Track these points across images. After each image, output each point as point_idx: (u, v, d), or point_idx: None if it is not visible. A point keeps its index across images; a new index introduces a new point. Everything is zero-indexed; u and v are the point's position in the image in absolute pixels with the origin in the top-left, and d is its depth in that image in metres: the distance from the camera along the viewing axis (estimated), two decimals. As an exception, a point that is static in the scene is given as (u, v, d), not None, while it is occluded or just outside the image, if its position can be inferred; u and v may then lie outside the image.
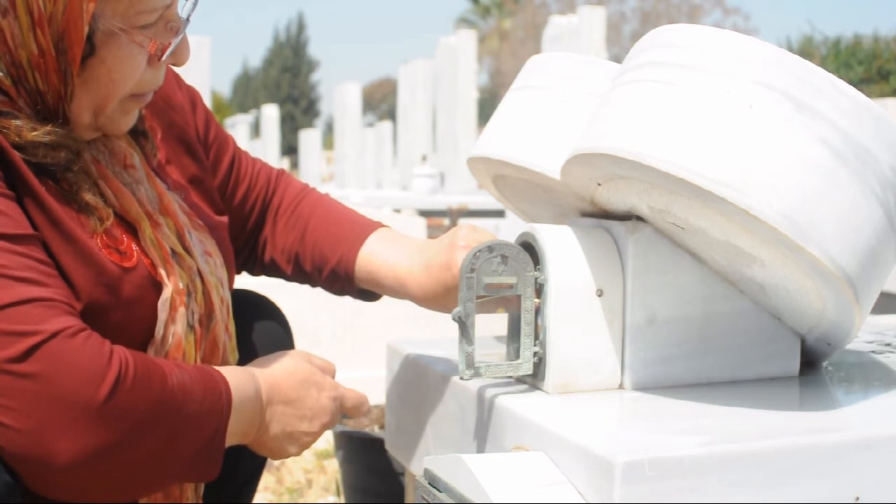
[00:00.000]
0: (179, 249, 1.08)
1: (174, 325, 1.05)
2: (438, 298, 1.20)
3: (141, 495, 0.99)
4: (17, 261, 0.88)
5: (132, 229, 1.05)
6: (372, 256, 1.26)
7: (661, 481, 0.81)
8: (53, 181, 0.99)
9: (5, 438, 0.85)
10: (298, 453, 1.10)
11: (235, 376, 1.03)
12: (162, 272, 1.04)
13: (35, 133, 0.96)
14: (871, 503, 0.88)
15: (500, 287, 1.03)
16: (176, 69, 1.20)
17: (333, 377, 1.18)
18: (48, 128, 0.98)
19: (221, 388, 0.99)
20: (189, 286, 1.07)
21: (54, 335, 0.86)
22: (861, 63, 15.99)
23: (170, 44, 1.02)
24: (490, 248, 1.02)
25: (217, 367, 1.03)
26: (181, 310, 1.05)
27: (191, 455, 0.96)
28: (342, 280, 1.29)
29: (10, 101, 0.97)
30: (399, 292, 1.24)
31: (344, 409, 1.15)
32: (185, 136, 1.22)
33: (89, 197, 1.01)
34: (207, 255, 1.13)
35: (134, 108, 1.06)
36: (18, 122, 0.96)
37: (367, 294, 1.32)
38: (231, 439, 1.02)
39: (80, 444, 0.86)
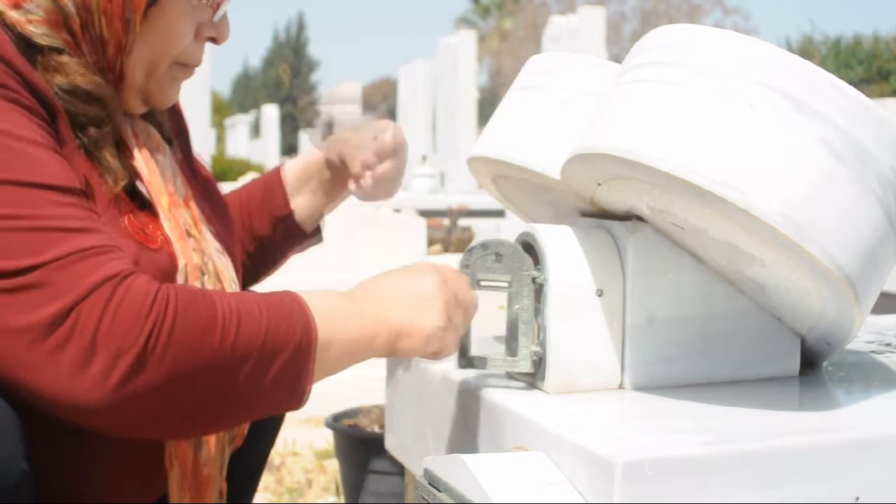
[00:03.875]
0: (194, 232, 1.09)
1: None
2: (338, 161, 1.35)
3: (219, 428, 0.98)
4: (68, 212, 0.87)
5: (156, 218, 1.05)
6: (289, 166, 1.42)
7: (661, 481, 0.81)
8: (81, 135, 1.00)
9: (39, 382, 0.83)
10: (444, 323, 0.98)
11: (315, 293, 0.96)
12: (177, 247, 1.04)
13: (80, 78, 0.98)
14: (871, 503, 0.88)
15: (494, 283, 1.04)
16: None
17: None
18: (96, 78, 1.00)
19: (294, 309, 0.92)
20: (203, 267, 1.07)
21: (104, 282, 0.84)
22: (861, 63, 15.97)
23: (221, 2, 1.08)
24: (484, 246, 1.03)
25: (292, 291, 0.95)
26: (196, 284, 1.04)
27: (263, 381, 0.90)
28: (283, 214, 1.39)
29: (75, 44, 1.00)
30: (324, 172, 1.39)
31: (444, 276, 1.03)
32: (190, 146, 1.26)
33: (109, 156, 1.01)
34: (220, 252, 1.14)
35: (180, 77, 1.10)
36: (67, 60, 0.98)
37: (309, 234, 1.43)
38: (349, 354, 0.95)
39: (120, 392, 0.83)
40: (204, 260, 1.08)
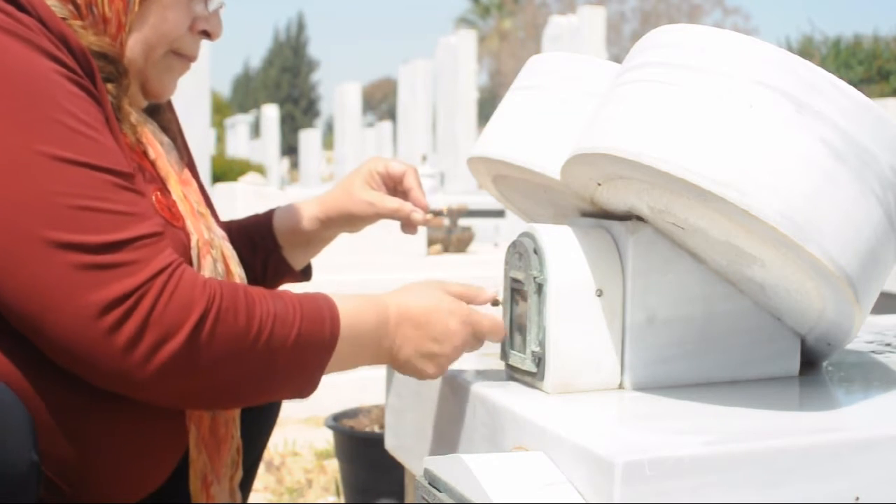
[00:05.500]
0: (203, 210, 1.14)
1: (203, 271, 1.07)
2: (340, 219, 1.38)
3: (240, 405, 1.11)
4: (128, 196, 0.93)
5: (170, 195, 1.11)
6: (281, 213, 1.41)
7: (661, 481, 0.81)
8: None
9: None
10: (436, 374, 1.09)
11: (353, 306, 1.04)
12: (188, 223, 1.08)
13: (93, 38, 1.03)
14: (871, 503, 0.88)
15: (516, 281, 1.08)
16: None
17: (473, 302, 1.17)
18: (106, 39, 1.05)
19: (325, 316, 1.01)
20: (211, 242, 1.11)
21: (162, 270, 0.91)
22: (861, 63, 15.98)
23: None
24: (514, 244, 1.08)
25: (333, 296, 1.04)
26: (208, 258, 1.09)
27: (287, 376, 1.00)
28: (268, 248, 1.39)
29: (80, 19, 1.04)
30: (313, 224, 1.39)
31: (479, 335, 1.12)
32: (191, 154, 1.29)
33: (128, 107, 1.07)
34: (223, 238, 1.17)
35: (177, 68, 1.14)
36: (78, 25, 1.03)
37: (296, 268, 1.43)
38: (354, 362, 1.05)
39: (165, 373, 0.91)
40: (211, 237, 1.12)
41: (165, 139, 1.16)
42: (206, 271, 1.08)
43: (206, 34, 1.15)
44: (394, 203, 1.35)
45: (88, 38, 1.02)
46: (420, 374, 1.09)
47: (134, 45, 1.08)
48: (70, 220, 0.88)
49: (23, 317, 0.89)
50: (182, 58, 1.14)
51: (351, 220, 1.39)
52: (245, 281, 1.18)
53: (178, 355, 0.90)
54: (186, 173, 1.16)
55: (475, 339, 1.10)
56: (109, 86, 1.04)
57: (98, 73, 0.99)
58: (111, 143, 0.95)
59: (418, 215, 1.35)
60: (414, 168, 1.38)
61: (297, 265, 1.44)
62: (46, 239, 0.87)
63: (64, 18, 1.01)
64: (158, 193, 1.06)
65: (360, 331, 1.04)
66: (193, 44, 1.15)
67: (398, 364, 1.09)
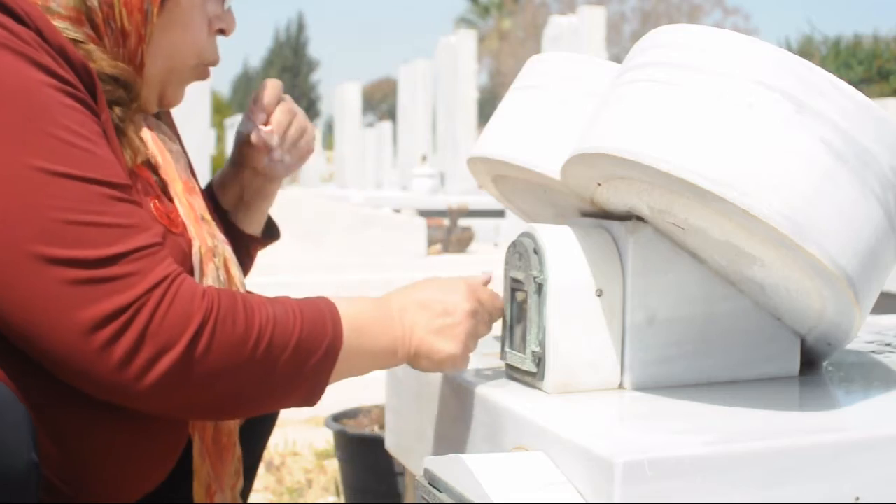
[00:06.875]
0: (208, 217, 1.14)
1: (205, 278, 1.07)
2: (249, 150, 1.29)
3: (242, 416, 1.10)
4: (124, 208, 0.92)
5: (173, 202, 1.10)
6: (217, 178, 1.37)
7: (661, 481, 0.81)
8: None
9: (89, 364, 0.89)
10: (460, 351, 1.06)
11: (354, 308, 1.03)
12: (191, 230, 1.08)
13: (105, 64, 1.02)
14: (871, 503, 0.88)
15: (516, 281, 1.08)
16: None
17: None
18: (120, 63, 1.04)
19: (326, 318, 1.00)
20: (214, 250, 1.11)
21: (160, 282, 0.90)
22: (861, 63, 15.99)
23: None
24: (514, 244, 1.08)
25: (334, 299, 1.03)
26: (210, 265, 1.09)
27: (290, 383, 0.99)
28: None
29: (98, 38, 1.04)
30: (243, 174, 1.33)
31: (483, 303, 1.10)
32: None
33: (132, 132, 1.05)
34: (224, 242, 1.17)
35: (203, 76, 1.16)
36: (93, 49, 1.02)
37: (246, 230, 1.37)
38: (364, 364, 1.04)
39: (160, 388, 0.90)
40: (215, 243, 1.11)
41: (175, 147, 1.16)
42: (209, 278, 1.07)
43: (221, 31, 1.16)
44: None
45: (102, 63, 1.01)
46: (440, 356, 1.05)
47: (154, 56, 1.08)
48: (63, 235, 0.87)
49: (19, 332, 0.88)
50: (201, 69, 1.15)
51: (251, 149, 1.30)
52: (245, 284, 1.18)
53: (175, 368, 0.89)
54: (193, 181, 1.16)
55: (482, 308, 1.09)
56: (118, 109, 1.03)
57: (99, 86, 0.98)
58: (108, 153, 0.93)
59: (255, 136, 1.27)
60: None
61: (247, 227, 1.37)
62: (39, 255, 0.86)
63: (82, 42, 1.01)
64: (156, 201, 1.05)
65: (365, 330, 1.03)
66: (213, 48, 1.15)
67: (412, 351, 1.05)
